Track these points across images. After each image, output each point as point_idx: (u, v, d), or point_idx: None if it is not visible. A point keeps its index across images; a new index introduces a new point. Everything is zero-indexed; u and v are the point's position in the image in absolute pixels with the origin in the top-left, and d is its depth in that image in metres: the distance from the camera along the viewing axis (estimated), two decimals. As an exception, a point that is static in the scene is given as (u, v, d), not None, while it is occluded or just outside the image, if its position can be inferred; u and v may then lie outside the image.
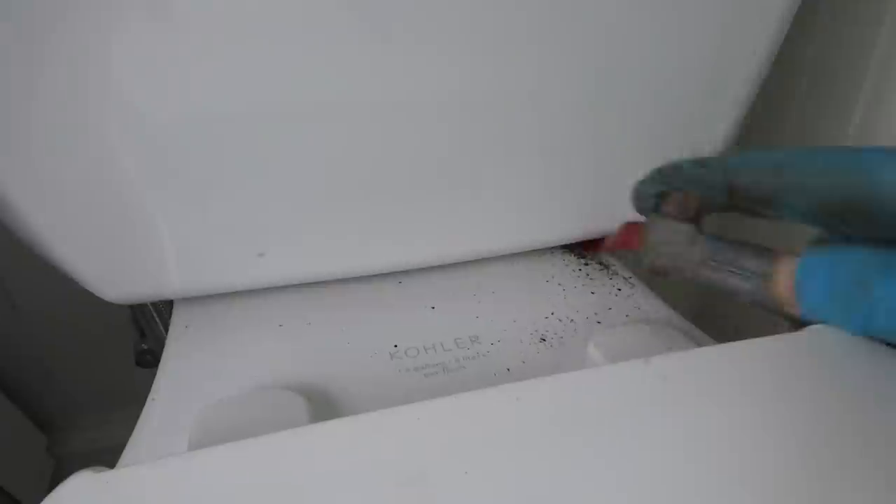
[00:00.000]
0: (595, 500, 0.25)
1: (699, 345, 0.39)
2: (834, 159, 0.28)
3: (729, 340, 0.34)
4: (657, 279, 0.36)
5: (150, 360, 0.60)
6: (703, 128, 0.44)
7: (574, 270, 0.50)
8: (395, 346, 0.42)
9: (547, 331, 0.43)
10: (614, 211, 0.48)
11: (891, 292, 0.24)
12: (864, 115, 0.52)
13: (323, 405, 0.37)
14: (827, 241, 0.29)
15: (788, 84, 0.60)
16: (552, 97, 0.40)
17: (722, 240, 0.32)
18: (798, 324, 0.30)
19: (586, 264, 0.51)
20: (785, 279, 0.28)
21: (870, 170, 0.26)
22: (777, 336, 0.33)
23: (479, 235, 0.47)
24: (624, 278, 0.49)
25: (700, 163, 0.33)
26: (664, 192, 0.34)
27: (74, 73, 0.32)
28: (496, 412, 0.29)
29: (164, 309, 0.57)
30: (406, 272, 0.49)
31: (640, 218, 0.37)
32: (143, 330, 0.58)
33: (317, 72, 0.35)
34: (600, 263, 0.51)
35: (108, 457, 0.32)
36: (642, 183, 0.36)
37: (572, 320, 0.44)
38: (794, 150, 0.29)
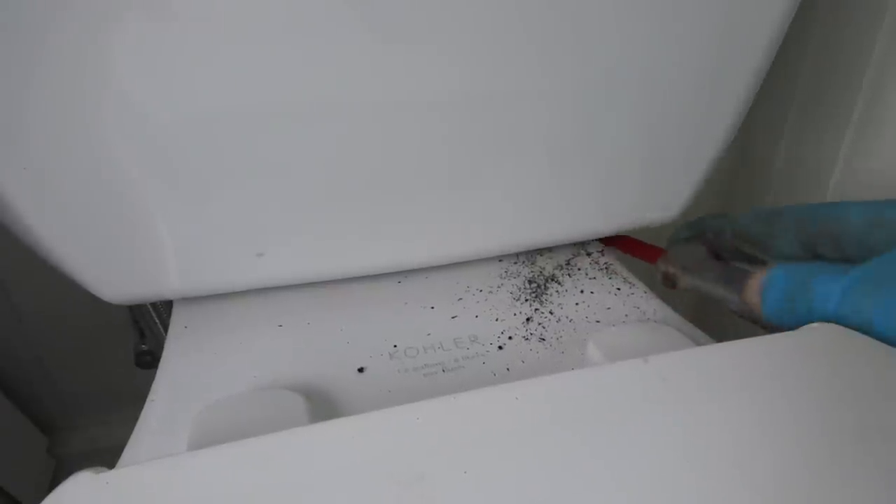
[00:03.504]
0: (594, 499, 0.25)
1: (698, 344, 0.39)
2: (815, 209, 0.38)
3: (728, 339, 0.34)
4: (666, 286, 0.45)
5: (149, 360, 0.60)
6: (702, 128, 0.45)
7: (573, 270, 0.50)
8: (395, 346, 0.42)
9: (546, 330, 0.43)
10: (616, 210, 0.48)
11: (825, 287, 0.32)
12: (863, 114, 0.52)
13: (322, 405, 0.37)
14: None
15: (788, 84, 0.60)
16: (553, 97, 0.40)
17: (719, 262, 0.43)
18: (769, 329, 0.37)
19: (587, 264, 0.51)
20: (755, 286, 0.36)
21: (839, 212, 0.36)
22: (775, 335, 0.33)
23: (480, 235, 0.47)
24: (623, 278, 0.49)
25: (719, 216, 0.45)
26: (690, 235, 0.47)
27: (73, 73, 0.32)
28: (495, 412, 0.29)
29: (164, 309, 0.57)
30: (405, 272, 0.49)
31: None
32: (143, 330, 0.58)
33: (317, 71, 0.35)
34: (599, 263, 0.51)
35: (108, 457, 0.32)
36: (677, 230, 0.48)
37: (571, 320, 0.44)
38: (784, 207, 0.40)
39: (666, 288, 0.45)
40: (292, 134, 0.37)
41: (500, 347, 0.42)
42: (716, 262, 0.43)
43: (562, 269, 0.50)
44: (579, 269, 0.50)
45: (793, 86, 0.59)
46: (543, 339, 0.43)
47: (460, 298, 0.47)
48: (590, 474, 0.26)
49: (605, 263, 0.51)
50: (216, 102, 0.35)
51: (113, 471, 0.26)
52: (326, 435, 0.28)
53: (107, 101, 0.33)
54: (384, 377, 0.40)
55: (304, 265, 0.45)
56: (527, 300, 0.46)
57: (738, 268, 0.39)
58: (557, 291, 0.47)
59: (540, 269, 0.50)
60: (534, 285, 0.48)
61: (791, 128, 0.61)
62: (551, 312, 0.45)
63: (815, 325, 0.34)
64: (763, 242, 0.41)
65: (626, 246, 0.52)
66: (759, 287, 0.36)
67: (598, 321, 0.44)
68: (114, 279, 0.41)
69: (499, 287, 0.48)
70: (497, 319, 0.45)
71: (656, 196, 0.48)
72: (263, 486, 0.25)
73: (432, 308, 0.46)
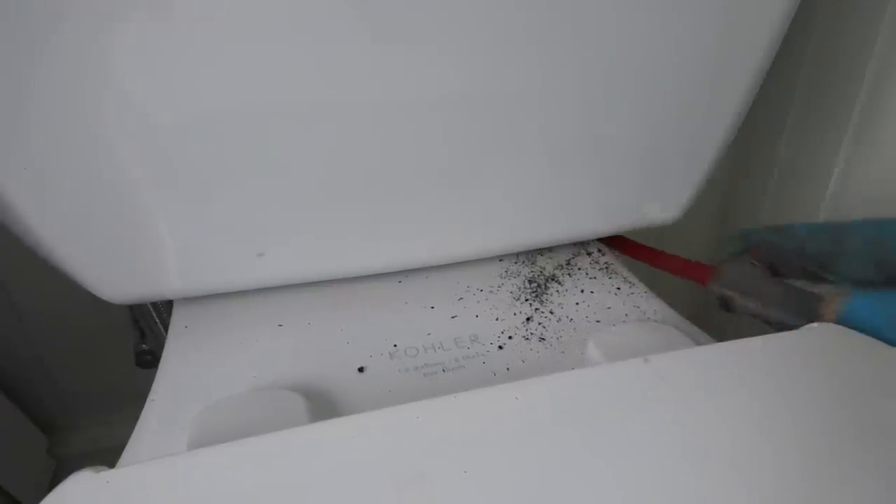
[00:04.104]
0: (594, 498, 0.25)
1: (698, 344, 0.39)
2: (891, 226, 0.34)
3: (728, 339, 0.34)
4: (722, 309, 0.42)
5: (149, 360, 0.60)
6: (702, 127, 0.45)
7: (573, 269, 0.50)
8: (395, 345, 0.42)
9: (546, 330, 0.43)
10: (616, 210, 0.48)
11: None
12: (864, 114, 0.52)
13: (322, 404, 0.37)
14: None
15: (789, 78, 0.60)
16: (552, 97, 0.40)
17: (780, 283, 0.39)
18: None
19: (588, 263, 0.51)
20: (829, 315, 0.34)
21: None
22: (775, 334, 0.33)
23: (480, 235, 0.47)
24: (623, 278, 0.49)
25: (777, 230, 0.41)
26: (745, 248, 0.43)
27: (75, 74, 0.32)
28: (495, 411, 0.29)
29: (164, 309, 0.57)
30: (406, 272, 0.49)
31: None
32: (143, 330, 0.58)
33: (318, 72, 0.35)
34: (599, 263, 0.51)
35: (108, 457, 0.32)
36: (725, 241, 0.44)
37: (571, 319, 0.44)
38: (851, 222, 0.36)
39: (721, 311, 0.42)
40: (293, 134, 0.37)
41: (500, 347, 0.42)
42: (776, 282, 0.40)
43: (562, 268, 0.50)
44: (580, 269, 0.50)
45: (794, 79, 0.59)
46: (544, 339, 0.43)
47: (461, 298, 0.47)
48: (589, 473, 0.26)
49: (606, 263, 0.51)
50: (217, 102, 0.35)
51: (113, 470, 0.26)
52: (327, 434, 0.28)
53: (108, 101, 0.33)
54: (384, 377, 0.40)
55: (304, 265, 0.45)
56: (527, 300, 0.46)
57: (804, 291, 0.36)
58: (558, 291, 0.47)
59: (540, 268, 0.50)
60: (534, 285, 0.48)
61: (793, 122, 0.61)
62: (551, 312, 0.45)
63: (814, 324, 0.34)
64: (828, 260, 0.37)
65: (671, 265, 0.48)
66: (835, 316, 0.33)
67: (598, 321, 0.44)
68: (114, 279, 0.41)
69: (499, 287, 0.48)
70: (497, 319, 0.45)
71: (657, 196, 0.48)
72: (263, 486, 0.25)
73: (432, 308, 0.46)
